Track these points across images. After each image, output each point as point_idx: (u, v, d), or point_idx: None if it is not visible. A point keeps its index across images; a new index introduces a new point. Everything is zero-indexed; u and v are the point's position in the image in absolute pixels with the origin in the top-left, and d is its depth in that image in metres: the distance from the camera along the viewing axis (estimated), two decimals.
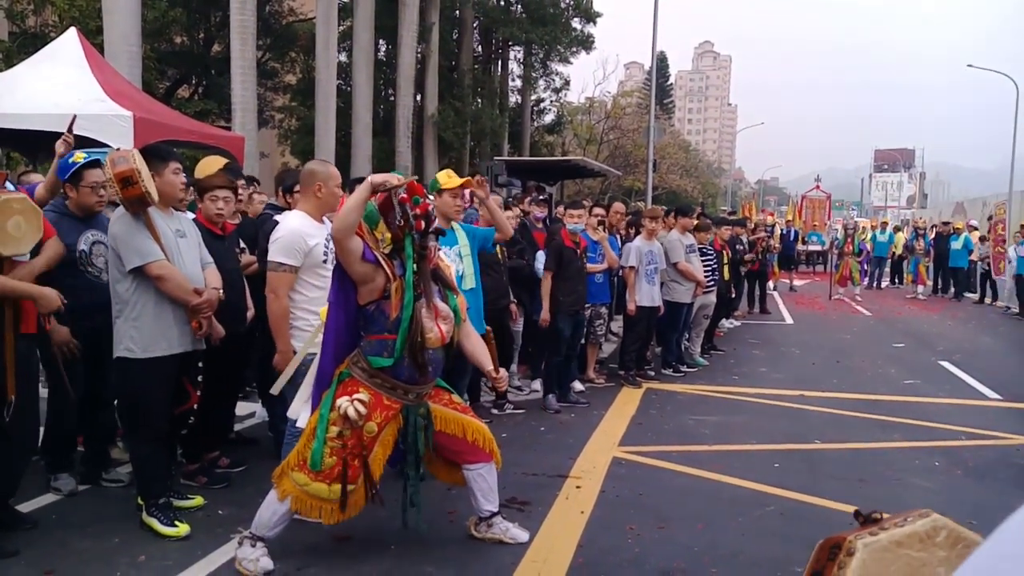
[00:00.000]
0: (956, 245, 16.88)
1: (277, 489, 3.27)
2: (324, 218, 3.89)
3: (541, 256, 6.61)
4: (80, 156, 3.97)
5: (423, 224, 3.20)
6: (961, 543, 1.69)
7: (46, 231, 3.64)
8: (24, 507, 3.82)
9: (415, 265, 3.22)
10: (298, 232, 3.75)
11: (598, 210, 7.23)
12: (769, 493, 4.47)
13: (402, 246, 3.23)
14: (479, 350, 3.60)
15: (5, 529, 3.52)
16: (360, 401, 3.17)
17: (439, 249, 3.48)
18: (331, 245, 3.36)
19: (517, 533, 3.67)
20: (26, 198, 3.54)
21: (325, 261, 3.77)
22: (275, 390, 3.67)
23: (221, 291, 3.87)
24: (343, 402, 3.16)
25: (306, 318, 3.79)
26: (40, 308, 3.52)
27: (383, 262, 3.21)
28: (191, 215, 4.31)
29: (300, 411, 3.47)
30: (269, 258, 3.77)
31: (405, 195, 3.16)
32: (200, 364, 4.27)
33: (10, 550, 3.36)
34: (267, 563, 3.27)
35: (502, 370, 3.61)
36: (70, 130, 4.50)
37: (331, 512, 3.22)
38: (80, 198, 3.94)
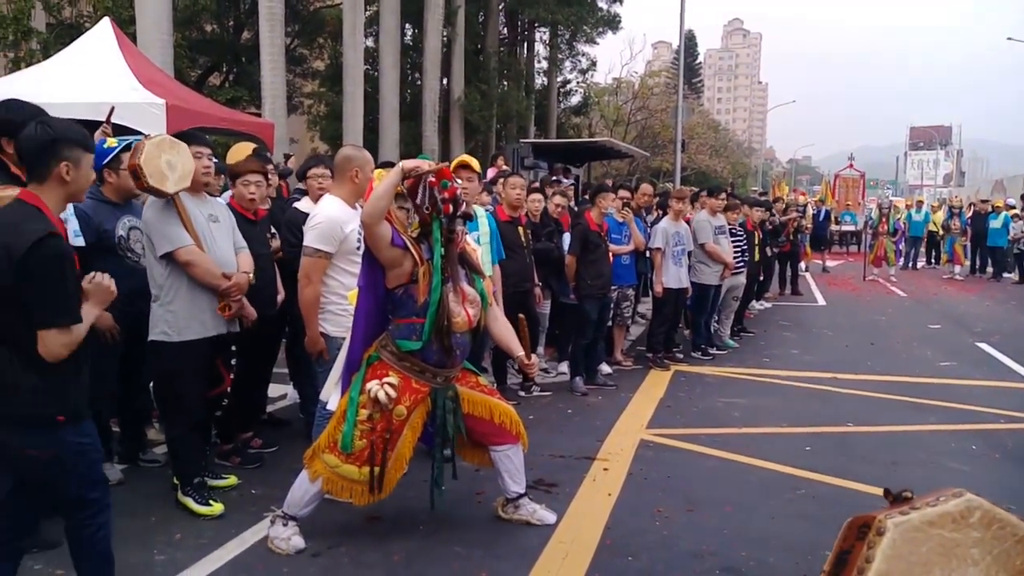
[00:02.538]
0: (995, 224, 16.44)
1: (308, 470, 3.33)
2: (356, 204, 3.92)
3: (567, 238, 6.61)
4: (113, 142, 4.03)
5: (451, 208, 3.21)
6: (996, 524, 1.65)
7: None
8: None
9: (443, 249, 3.23)
10: (335, 219, 3.79)
11: (623, 192, 7.20)
12: (800, 476, 4.44)
13: (430, 230, 3.25)
14: (507, 334, 3.60)
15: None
16: (390, 385, 3.20)
17: (466, 233, 3.48)
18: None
19: (544, 514, 3.68)
20: None
21: (359, 248, 3.79)
22: (324, 396, 3.67)
23: (252, 275, 3.92)
24: (373, 385, 3.20)
25: (340, 303, 3.84)
26: None
27: (411, 246, 3.23)
28: (224, 200, 4.36)
29: (331, 393, 3.52)
30: (305, 243, 3.82)
31: (434, 179, 3.18)
32: (233, 347, 4.33)
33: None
34: (299, 541, 3.34)
35: (533, 356, 3.61)
36: (108, 121, 4.56)
37: (361, 493, 3.27)
38: (121, 181, 3.99)
